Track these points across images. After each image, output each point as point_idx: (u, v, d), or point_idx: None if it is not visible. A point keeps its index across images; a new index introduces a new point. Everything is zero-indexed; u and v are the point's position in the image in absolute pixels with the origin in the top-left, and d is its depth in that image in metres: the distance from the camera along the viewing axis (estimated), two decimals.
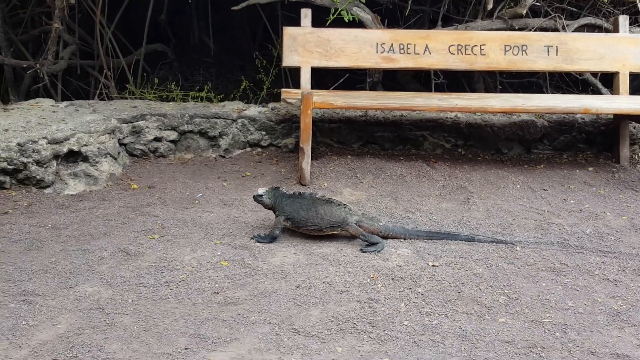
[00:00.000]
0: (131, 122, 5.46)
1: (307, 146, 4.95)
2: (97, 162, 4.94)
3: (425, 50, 5.71)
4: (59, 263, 3.97)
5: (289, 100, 5.15)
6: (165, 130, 5.58)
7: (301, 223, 4.27)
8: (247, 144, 5.79)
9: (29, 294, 3.62)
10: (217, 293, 3.65)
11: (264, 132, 5.78)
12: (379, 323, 3.41)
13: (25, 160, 4.71)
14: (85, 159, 4.93)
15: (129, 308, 3.50)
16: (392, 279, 3.82)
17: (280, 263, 3.99)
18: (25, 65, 6.79)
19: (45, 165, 4.77)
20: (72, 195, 4.87)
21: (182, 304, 3.56)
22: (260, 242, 4.21)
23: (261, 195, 4.39)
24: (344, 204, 4.35)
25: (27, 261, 3.97)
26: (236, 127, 5.73)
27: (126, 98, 7.20)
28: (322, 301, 3.58)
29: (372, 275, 3.82)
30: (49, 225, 4.44)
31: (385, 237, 4.30)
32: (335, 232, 4.29)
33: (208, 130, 5.65)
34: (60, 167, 4.87)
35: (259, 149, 5.85)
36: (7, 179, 4.75)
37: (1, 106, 5.38)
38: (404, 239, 4.33)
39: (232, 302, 3.57)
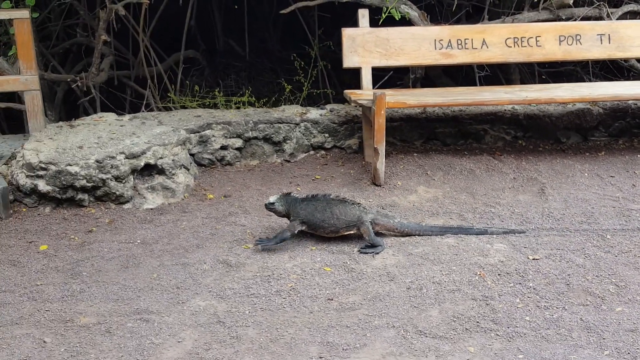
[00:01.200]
0: (198, 132, 5.43)
1: (381, 147, 4.95)
2: (173, 175, 4.91)
3: (482, 44, 5.73)
4: (161, 278, 3.95)
5: (360, 102, 5.14)
6: (230, 138, 5.56)
7: (317, 225, 4.26)
8: (310, 147, 5.78)
9: (143, 312, 3.60)
10: (332, 299, 3.65)
11: (326, 135, 5.77)
12: (501, 320, 3.42)
13: (104, 176, 4.67)
14: (161, 171, 4.91)
15: (249, 320, 3.50)
16: (499, 274, 3.84)
17: (382, 265, 3.99)
18: (69, 80, 6.74)
19: (124, 181, 4.73)
20: (151, 209, 4.84)
21: (300, 313, 3.56)
22: (266, 245, 4.17)
23: (273, 203, 4.34)
24: (358, 203, 4.37)
25: (129, 279, 3.96)
26: (299, 131, 5.72)
27: (170, 107, 7.19)
28: (437, 301, 3.60)
29: (479, 273, 3.84)
30: (138, 241, 4.42)
31: (401, 235, 4.33)
32: (352, 231, 4.28)
33: (272, 135, 5.63)
34: (137, 182, 4.85)
35: (323, 152, 5.83)
36: (86, 196, 4.71)
37: (67, 123, 5.33)
38: (419, 235, 4.35)
39: (349, 308, 3.57)
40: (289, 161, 5.76)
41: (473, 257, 4.05)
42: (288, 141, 5.71)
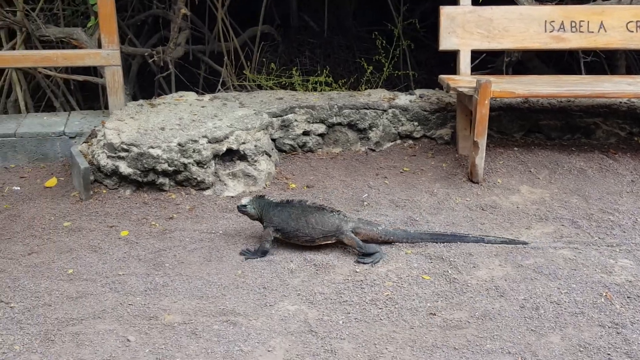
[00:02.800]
0: (280, 116, 5.13)
1: (482, 140, 4.52)
2: (255, 161, 4.64)
3: (600, 27, 5.15)
4: (246, 276, 3.71)
5: (460, 89, 4.73)
6: (313, 123, 5.24)
7: (291, 234, 3.91)
8: (397, 136, 5.40)
9: (230, 314, 3.37)
10: (434, 314, 3.31)
11: (416, 123, 5.38)
12: (637, 354, 3.02)
13: (185, 161, 4.45)
14: (243, 157, 4.65)
15: (343, 331, 3.20)
16: (628, 297, 3.39)
17: (489, 277, 3.62)
18: (146, 54, 6.55)
19: (205, 166, 4.50)
20: (232, 197, 4.60)
21: (399, 327, 3.24)
22: (251, 259, 3.84)
23: (245, 206, 3.99)
24: (338, 211, 3.97)
25: (213, 274, 3.73)
26: (386, 118, 5.34)
27: (245, 86, 6.93)
28: (558, 325, 3.20)
29: (605, 293, 3.42)
30: (220, 232, 4.18)
31: (386, 242, 3.94)
32: (330, 241, 3.90)
33: (357, 122, 5.28)
34: (217, 167, 4.62)
35: (411, 141, 5.44)
36: (167, 180, 4.51)
37: (147, 102, 5.14)
38: (407, 242, 3.97)
39: (454, 326, 3.23)
40: (373, 150, 5.40)
41: (595, 274, 3.60)
42: (374, 129, 5.34)
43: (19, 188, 4.63)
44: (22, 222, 4.21)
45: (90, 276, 3.72)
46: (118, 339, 3.19)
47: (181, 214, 4.40)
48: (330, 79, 6.94)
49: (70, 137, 4.99)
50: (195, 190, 4.57)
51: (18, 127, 5.02)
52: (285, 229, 3.93)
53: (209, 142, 4.50)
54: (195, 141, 4.47)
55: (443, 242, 3.95)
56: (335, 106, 5.27)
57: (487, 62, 7.26)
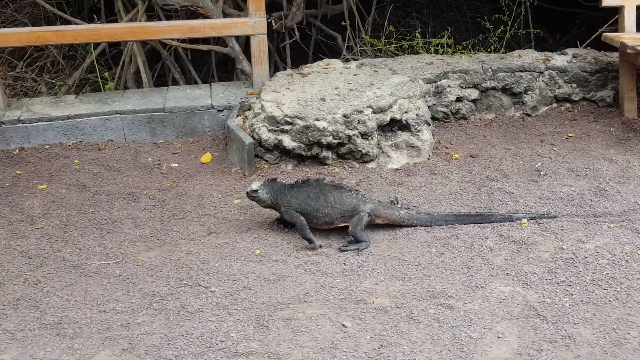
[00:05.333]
0: (434, 82, 4.84)
1: None
2: (418, 131, 4.40)
3: None
4: (443, 254, 3.48)
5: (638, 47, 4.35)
6: (466, 88, 4.93)
7: (311, 214, 3.63)
8: (554, 99, 5.05)
9: (441, 296, 3.18)
10: None
11: (574, 85, 5.01)
12: None
13: (350, 132, 4.24)
14: (405, 127, 4.41)
15: (574, 315, 2.97)
16: None
17: None
18: (269, 20, 6.32)
19: (369, 138, 4.29)
20: (396, 169, 4.40)
21: (633, 309, 2.97)
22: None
23: (256, 191, 3.67)
24: (356, 190, 3.69)
25: (405, 252, 3.50)
26: (542, 81, 4.99)
27: (365, 51, 6.64)
28: None
29: None
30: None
31: (409, 226, 3.66)
32: (347, 223, 3.61)
33: (512, 86, 4.95)
34: (379, 139, 4.41)
35: (568, 105, 5.09)
36: (329, 153, 4.31)
37: (297, 71, 4.93)
38: (430, 226, 3.67)
39: None
40: (529, 115, 5.08)
41: None
42: (529, 92, 5.00)
43: (176, 165, 4.52)
44: (191, 201, 4.12)
45: (279, 257, 3.59)
46: (333, 324, 3.06)
47: None
48: (451, 40, 6.60)
49: (219, 111, 4.85)
50: (359, 164, 4.37)
51: (165, 101, 4.92)
52: (305, 210, 3.67)
53: (374, 112, 4.28)
54: (360, 112, 4.25)
55: (470, 223, 3.69)
56: (490, 69, 4.94)
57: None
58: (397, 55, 6.43)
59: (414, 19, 8.03)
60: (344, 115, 4.22)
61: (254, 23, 4.67)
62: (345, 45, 6.35)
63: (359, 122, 4.23)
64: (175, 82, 6.48)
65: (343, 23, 6.68)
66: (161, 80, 6.74)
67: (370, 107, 4.27)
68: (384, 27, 7.01)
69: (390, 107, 4.31)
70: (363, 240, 3.60)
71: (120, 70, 6.27)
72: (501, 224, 3.70)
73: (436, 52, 6.37)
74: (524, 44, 7.04)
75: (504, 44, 6.57)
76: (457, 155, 4.55)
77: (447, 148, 4.64)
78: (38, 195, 4.13)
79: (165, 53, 6.41)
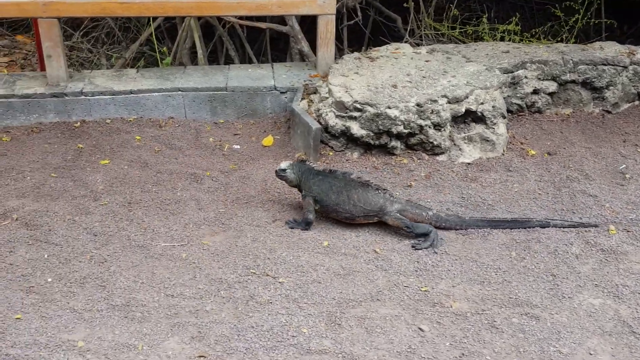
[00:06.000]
0: (511, 72, 4.58)
1: None
2: (494, 124, 4.17)
3: None
4: (524, 259, 3.27)
5: None
6: (544, 80, 4.66)
7: (331, 208, 3.49)
8: (636, 97, 4.75)
9: (525, 304, 2.97)
10: None
11: None
12: None
13: (422, 122, 4.03)
14: (480, 119, 4.19)
15: None
16: None
17: None
18: None
19: (442, 129, 4.08)
20: (467, 163, 4.17)
21: None
22: (294, 229, 3.49)
23: (284, 170, 3.61)
24: (384, 189, 3.50)
25: (483, 254, 3.30)
26: (626, 76, 4.69)
27: (428, 35, 6.37)
28: None
29: None
30: (468, 203, 3.76)
31: (437, 228, 3.43)
32: (371, 221, 3.47)
33: (594, 80, 4.65)
34: (452, 130, 4.20)
35: None
36: (398, 143, 4.11)
37: (365, 55, 4.73)
38: (461, 229, 3.47)
39: None
40: (609, 112, 4.79)
41: None
42: (611, 87, 4.70)
43: (238, 147, 4.38)
44: (254, 185, 3.97)
45: (348, 250, 3.43)
46: (409, 327, 2.90)
47: (418, 181, 4.02)
48: (518, 27, 6.29)
49: (281, 92, 4.68)
50: (428, 155, 4.17)
51: (227, 80, 4.76)
52: (325, 201, 3.55)
53: (449, 102, 4.06)
54: (435, 101, 4.04)
55: (503, 229, 3.49)
56: (570, 61, 4.66)
57: None
58: (460, 40, 6.17)
59: (475, 2, 7.73)
60: (417, 104, 4.01)
61: (322, 2, 4.46)
62: (409, 28, 6.11)
63: (432, 112, 4.02)
64: (228, 59, 6.33)
65: (405, 5, 6.44)
66: (212, 56, 6.61)
67: (445, 96, 4.05)
68: (444, 10, 6.75)
69: (466, 97, 4.08)
70: (428, 231, 3.44)
71: (176, 45, 6.15)
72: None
73: (502, 39, 6.11)
74: (593, 35, 6.70)
75: (574, 34, 6.27)
76: (533, 152, 4.30)
77: (521, 143, 4.40)
78: (101, 170, 4.04)
79: (221, 29, 6.26)
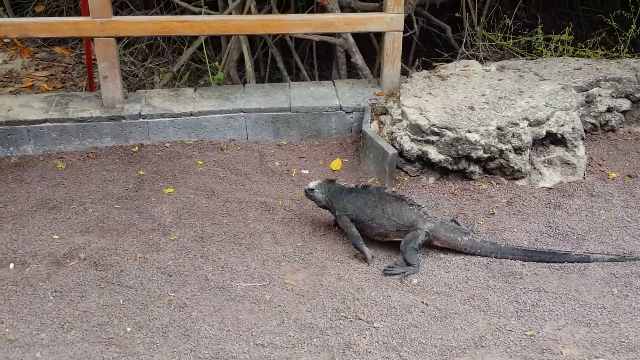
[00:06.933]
0: (585, 90, 4.38)
1: None
2: (575, 146, 3.98)
3: None
4: (627, 296, 3.09)
5: None
6: (618, 98, 4.46)
7: (366, 224, 3.38)
8: None
9: (638, 349, 2.81)
10: None
11: None
12: None
13: (503, 147, 3.84)
14: (560, 142, 3.99)
15: None
16: None
17: None
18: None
19: (522, 153, 3.90)
20: (548, 188, 3.98)
21: None
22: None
23: (313, 190, 3.51)
24: (419, 205, 3.38)
25: (583, 292, 3.12)
26: None
27: (484, 47, 6.15)
28: None
29: None
30: (556, 232, 3.60)
31: (471, 254, 3.33)
32: (402, 238, 3.33)
33: None
34: (531, 154, 4.01)
35: None
36: (477, 168, 3.93)
37: (434, 73, 4.51)
38: (495, 257, 3.33)
39: None
40: None
41: None
42: None
43: (307, 172, 4.20)
44: (329, 215, 3.79)
45: (439, 288, 3.26)
46: None
47: (500, 209, 3.84)
48: (571, 37, 6.08)
49: (347, 112, 4.49)
50: (507, 180, 3.98)
51: (290, 100, 4.55)
52: (360, 217, 3.43)
53: (530, 125, 3.86)
54: (516, 124, 3.84)
55: (539, 261, 3.33)
56: None
57: None
58: (514, 51, 5.97)
59: (521, 10, 7.50)
60: (498, 128, 3.82)
61: (390, 19, 4.26)
62: (464, 40, 5.91)
63: (513, 136, 3.83)
64: (273, 69, 6.17)
65: (458, 15, 6.24)
66: (257, 68, 6.44)
67: (526, 119, 3.86)
68: (491, 18, 6.53)
69: (548, 119, 3.89)
70: (411, 264, 3.32)
71: (226, 57, 5.95)
72: None
73: (555, 49, 5.91)
74: None
75: (628, 43, 6.06)
76: (613, 175, 4.11)
77: (600, 165, 4.21)
78: (166, 200, 3.87)
79: (270, 42, 6.08)
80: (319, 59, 6.60)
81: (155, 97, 4.55)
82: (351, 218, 3.50)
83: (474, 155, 3.85)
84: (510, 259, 3.39)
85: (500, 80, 4.34)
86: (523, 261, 3.38)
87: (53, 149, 4.34)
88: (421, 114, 3.96)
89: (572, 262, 3.36)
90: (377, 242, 3.53)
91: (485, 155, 3.87)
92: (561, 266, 3.34)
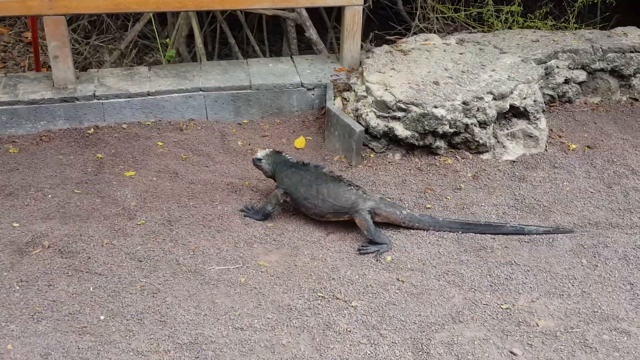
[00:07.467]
0: (545, 62, 4.44)
1: None
2: (536, 119, 4.04)
3: None
4: (596, 266, 3.18)
5: None
6: (574, 69, 4.56)
7: (299, 202, 3.43)
8: None
9: (611, 319, 2.87)
10: None
11: None
12: None
13: (468, 121, 3.86)
14: (522, 115, 4.04)
15: None
16: None
17: None
18: None
19: (487, 127, 3.93)
20: (511, 161, 4.04)
21: None
22: (250, 218, 3.45)
23: (260, 160, 3.56)
24: (357, 186, 3.42)
25: (553, 263, 3.19)
26: None
27: (437, 19, 6.14)
28: None
29: None
30: (523, 206, 3.66)
31: (409, 228, 3.40)
32: (342, 219, 3.39)
33: (622, 68, 4.57)
34: (495, 127, 4.05)
35: None
36: (442, 143, 3.94)
37: (396, 48, 4.47)
38: (433, 230, 3.42)
39: None
40: (637, 99, 4.72)
41: None
42: (638, 75, 4.63)
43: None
44: None
45: (414, 265, 3.27)
46: (500, 351, 2.76)
47: (467, 183, 3.87)
48: (520, 8, 6.14)
49: (308, 89, 4.40)
50: (472, 154, 4.01)
51: (250, 77, 4.42)
52: (294, 195, 3.45)
53: (494, 98, 3.89)
54: (480, 98, 3.86)
55: (475, 233, 3.42)
56: (600, 49, 4.56)
57: None
58: (467, 24, 6.00)
59: None
60: (464, 102, 3.83)
61: None
62: (418, 13, 5.87)
63: (478, 110, 3.85)
64: (223, 45, 5.99)
65: None
66: (205, 43, 6.24)
67: (490, 93, 3.88)
68: None
69: (511, 92, 3.93)
70: (383, 242, 3.32)
71: (175, 33, 5.72)
72: None
73: (506, 20, 5.98)
74: (590, 16, 6.63)
75: (575, 14, 6.18)
76: (574, 146, 4.20)
77: (559, 137, 4.30)
78: (128, 183, 3.72)
79: (220, 17, 5.90)
80: (267, 34, 6.51)
81: (108, 77, 4.34)
82: (286, 192, 3.47)
83: (440, 130, 3.85)
84: (448, 232, 3.41)
85: (461, 54, 4.36)
86: (461, 233, 3.39)
87: (3, 132, 4.11)
88: (386, 90, 3.93)
89: (507, 233, 3.40)
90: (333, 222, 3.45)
91: (451, 130, 3.89)
92: (530, 239, 3.41)
